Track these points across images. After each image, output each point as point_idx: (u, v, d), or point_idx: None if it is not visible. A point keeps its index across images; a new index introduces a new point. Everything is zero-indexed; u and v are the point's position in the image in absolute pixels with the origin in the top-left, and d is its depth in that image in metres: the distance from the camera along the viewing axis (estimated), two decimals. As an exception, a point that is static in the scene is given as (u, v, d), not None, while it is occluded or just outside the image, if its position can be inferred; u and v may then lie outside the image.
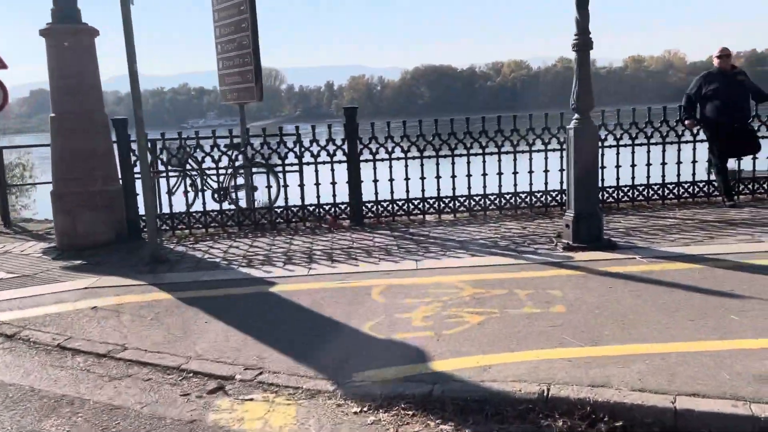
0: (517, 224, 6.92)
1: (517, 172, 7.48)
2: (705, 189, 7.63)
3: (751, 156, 7.34)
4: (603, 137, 7.42)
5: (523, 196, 7.57)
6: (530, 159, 7.50)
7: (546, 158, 7.48)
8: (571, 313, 4.06)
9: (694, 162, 7.56)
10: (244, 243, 6.67)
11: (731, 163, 7.57)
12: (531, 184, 7.55)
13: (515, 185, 7.52)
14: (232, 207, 7.84)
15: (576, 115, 5.69)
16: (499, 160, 7.50)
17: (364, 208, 7.45)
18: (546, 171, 7.48)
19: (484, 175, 7.47)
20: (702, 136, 7.51)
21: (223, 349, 3.91)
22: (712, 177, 7.58)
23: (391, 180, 7.41)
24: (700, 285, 4.40)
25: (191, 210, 7.45)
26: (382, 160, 7.41)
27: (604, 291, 4.44)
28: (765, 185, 7.59)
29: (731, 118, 7.05)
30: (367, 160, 7.42)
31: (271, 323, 4.31)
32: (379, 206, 7.47)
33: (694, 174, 7.59)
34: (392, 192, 7.47)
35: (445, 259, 5.57)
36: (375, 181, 7.41)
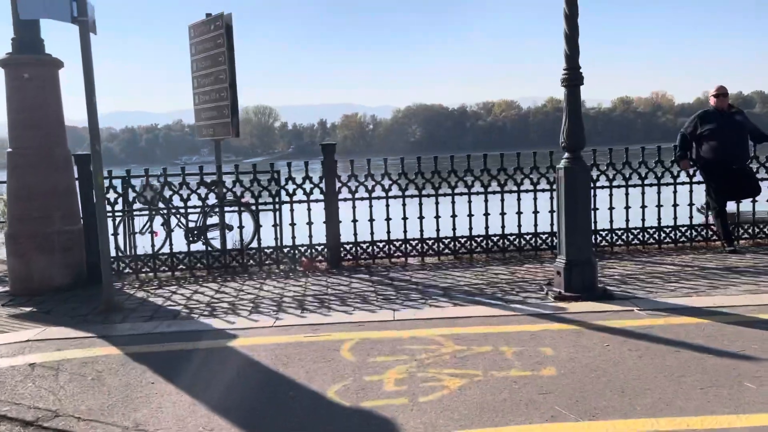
0: (504, 269, 6.48)
1: (505, 213, 7.08)
2: (703, 233, 7.23)
3: (751, 198, 6.98)
4: (595, 177, 7.08)
5: (511, 238, 7.15)
6: (518, 199, 7.11)
7: (535, 198, 7.10)
8: (563, 376, 3.58)
9: (690, 204, 7.20)
10: (211, 288, 6.16)
11: (730, 206, 7.21)
12: (519, 225, 7.14)
13: (503, 227, 7.11)
14: (203, 248, 7.37)
15: (566, 154, 5.31)
16: (486, 200, 7.09)
17: (342, 249, 6.99)
18: (535, 212, 7.08)
19: (470, 215, 7.05)
20: (699, 177, 7.16)
21: (165, 417, 3.40)
22: (710, 220, 7.20)
23: (371, 220, 6.98)
24: (707, 344, 3.94)
25: (158, 252, 6.96)
26: (362, 199, 7.00)
27: (601, 350, 3.97)
28: (765, 229, 7.20)
29: (729, 158, 6.71)
30: (346, 199, 7.00)
31: (225, 385, 3.80)
32: (359, 248, 7.02)
33: (691, 217, 7.22)
34: (372, 233, 7.03)
35: (426, 309, 5.09)
36: (354, 221, 6.97)
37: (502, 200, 7.10)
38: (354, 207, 6.99)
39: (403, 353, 4.09)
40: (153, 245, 6.92)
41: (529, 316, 4.76)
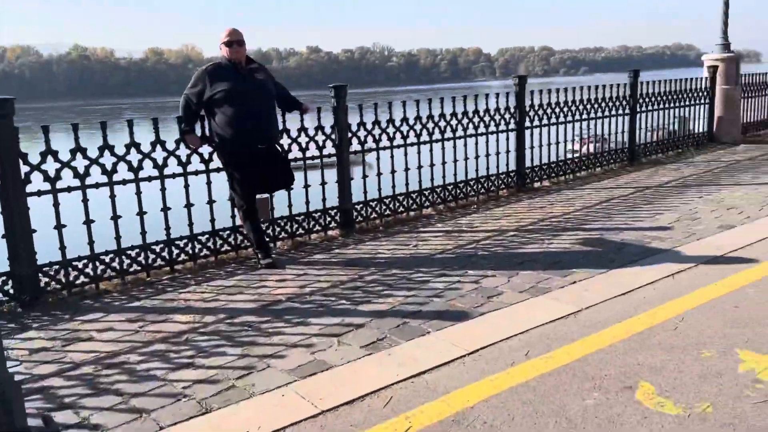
0: None
1: None
2: (231, 239, 5.17)
3: (285, 189, 5.19)
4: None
5: None
6: None
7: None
8: None
9: (210, 202, 5.01)
10: None
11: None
12: None
13: None
14: None
15: None
16: None
17: None
18: None
19: None
20: (217, 162, 4.99)
21: None
22: (238, 221, 5.15)
23: None
24: None
25: None
26: None
27: None
28: (306, 224, 5.59)
29: (255, 135, 4.69)
30: None
31: None
32: None
33: (213, 220, 5.04)
34: None
35: None
36: None
37: None
38: None
39: None
40: None
41: None
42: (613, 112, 8.37)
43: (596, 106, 8.13)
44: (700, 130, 10.07)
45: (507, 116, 7.12)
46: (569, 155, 8.16)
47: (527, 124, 7.38)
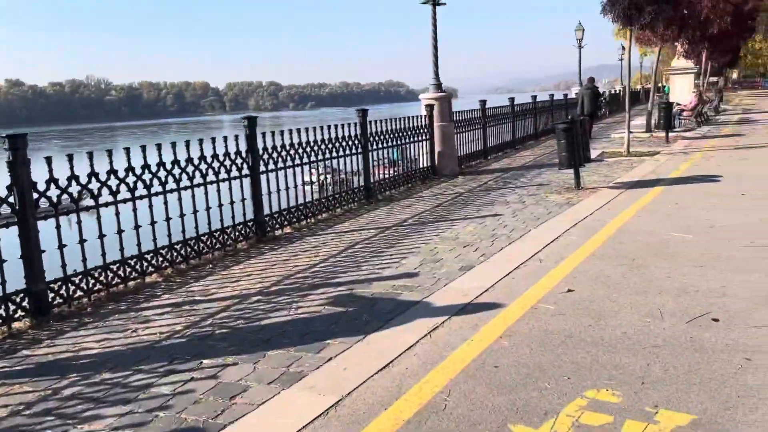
0: None
1: None
2: None
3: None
4: None
5: None
6: None
7: None
8: None
9: None
10: None
11: None
12: None
13: None
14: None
15: None
16: None
17: None
18: None
19: None
20: None
21: None
22: None
23: None
24: None
25: None
26: None
27: None
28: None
29: None
30: None
31: None
32: None
33: None
34: None
35: None
36: None
37: None
38: None
39: None
40: None
41: None
42: (348, 152, 8.27)
43: (331, 146, 7.93)
44: (425, 164, 10.65)
45: (239, 161, 6.45)
46: (307, 187, 7.85)
47: (262, 168, 6.80)
